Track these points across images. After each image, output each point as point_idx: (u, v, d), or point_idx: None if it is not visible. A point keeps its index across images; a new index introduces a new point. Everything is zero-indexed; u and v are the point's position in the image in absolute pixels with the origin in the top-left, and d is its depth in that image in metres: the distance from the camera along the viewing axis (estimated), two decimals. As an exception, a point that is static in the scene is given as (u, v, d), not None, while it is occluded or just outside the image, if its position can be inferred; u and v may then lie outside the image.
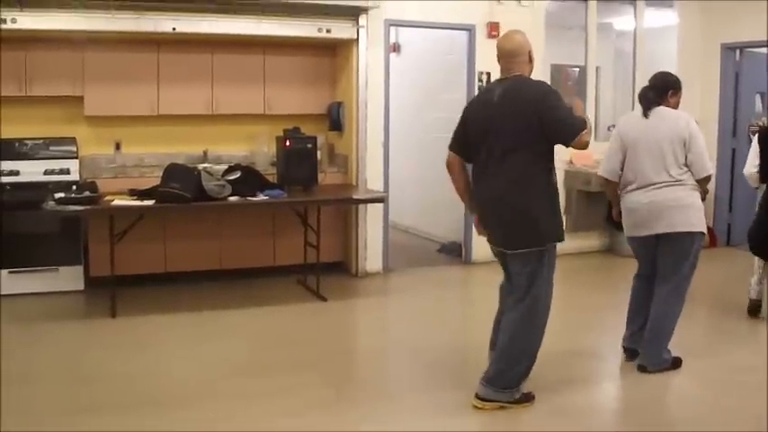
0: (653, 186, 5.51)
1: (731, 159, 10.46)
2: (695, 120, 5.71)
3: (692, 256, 5.59)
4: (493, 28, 9.17)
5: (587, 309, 7.60)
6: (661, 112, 5.57)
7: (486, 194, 4.88)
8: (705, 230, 5.64)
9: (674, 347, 5.77)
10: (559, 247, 8.83)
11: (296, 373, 5.70)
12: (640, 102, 5.67)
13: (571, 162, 9.77)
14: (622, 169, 5.67)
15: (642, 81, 10.35)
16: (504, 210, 4.80)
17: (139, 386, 5.40)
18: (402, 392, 5.25)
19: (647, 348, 5.70)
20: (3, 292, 7.51)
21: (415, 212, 10.90)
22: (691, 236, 5.51)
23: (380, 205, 8.69)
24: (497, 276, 5.25)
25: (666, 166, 5.47)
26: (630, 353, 5.88)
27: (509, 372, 4.91)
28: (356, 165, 8.69)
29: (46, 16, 7.36)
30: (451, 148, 5.06)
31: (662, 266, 5.66)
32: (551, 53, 10.08)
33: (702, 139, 5.52)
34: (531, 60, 4.90)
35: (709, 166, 5.51)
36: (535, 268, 4.81)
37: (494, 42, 8.98)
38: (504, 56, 4.87)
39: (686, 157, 5.45)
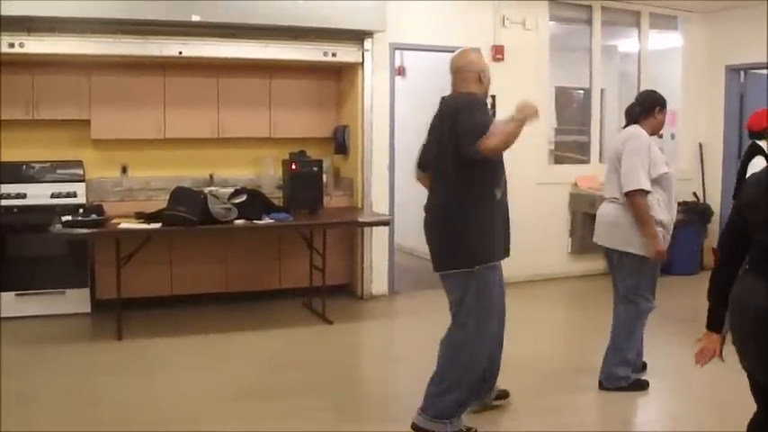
0: (607, 200, 5.71)
1: (736, 181, 10.44)
2: (641, 139, 5.59)
3: (631, 276, 5.58)
4: (497, 51, 9.22)
5: (590, 330, 7.58)
6: (625, 130, 5.70)
7: (426, 212, 4.87)
8: (641, 253, 5.47)
9: (656, 366, 5.90)
10: (564, 269, 8.86)
11: (302, 396, 5.70)
12: (625, 116, 5.80)
13: (576, 184, 9.79)
14: None
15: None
16: (432, 228, 4.80)
17: (145, 409, 5.40)
18: (408, 416, 5.22)
19: (604, 364, 5.75)
20: (10, 315, 7.52)
21: (419, 235, 10.85)
22: (624, 254, 5.54)
23: (386, 228, 8.70)
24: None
25: (612, 183, 5.59)
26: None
27: (439, 400, 4.71)
28: (361, 188, 8.71)
29: (53, 40, 7.42)
30: (418, 163, 5.12)
31: (615, 284, 5.80)
32: (556, 76, 10.14)
33: (636, 154, 5.40)
34: (481, 80, 4.81)
35: (630, 183, 5.38)
36: (461, 294, 4.68)
37: (499, 65, 9.25)
38: (454, 71, 4.88)
39: None
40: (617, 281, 5.74)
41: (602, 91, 10.65)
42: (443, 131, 4.63)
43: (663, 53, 10.95)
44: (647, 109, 5.67)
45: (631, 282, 5.60)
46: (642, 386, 5.76)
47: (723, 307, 3.25)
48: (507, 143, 4.44)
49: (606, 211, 5.67)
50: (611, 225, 5.58)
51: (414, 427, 4.78)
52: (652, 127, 5.66)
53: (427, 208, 4.82)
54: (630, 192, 5.39)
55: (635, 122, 5.64)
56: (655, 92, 5.91)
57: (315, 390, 5.86)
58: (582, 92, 11.74)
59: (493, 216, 4.67)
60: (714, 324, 3.34)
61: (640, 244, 5.46)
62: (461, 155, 4.46)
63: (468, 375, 4.67)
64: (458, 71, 4.84)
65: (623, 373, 5.68)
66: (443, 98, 4.89)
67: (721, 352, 3.36)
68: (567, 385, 5.91)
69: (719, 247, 3.35)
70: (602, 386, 5.71)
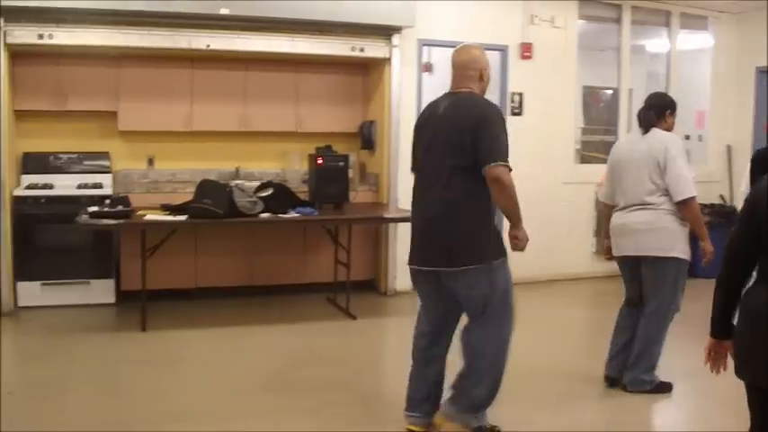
0: (630, 208, 5.51)
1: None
2: (678, 138, 5.66)
3: (669, 282, 5.48)
4: (526, 48, 9.19)
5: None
6: (651, 134, 5.53)
7: (426, 212, 4.59)
8: (682, 257, 5.44)
9: (679, 368, 5.81)
10: (589, 269, 8.82)
11: (325, 391, 5.68)
12: (640, 122, 5.64)
13: (602, 184, 9.71)
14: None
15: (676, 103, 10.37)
16: (442, 224, 4.49)
17: (168, 401, 5.41)
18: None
19: (630, 370, 5.66)
20: (36, 304, 7.60)
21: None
22: (664, 261, 5.42)
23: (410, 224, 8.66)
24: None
25: (648, 190, 5.42)
26: (609, 379, 5.78)
27: (468, 393, 4.66)
28: (387, 183, 8.69)
29: (82, 32, 7.45)
30: (412, 168, 4.90)
31: (644, 289, 5.61)
32: (583, 75, 10.07)
33: (682, 160, 5.36)
34: (482, 78, 4.69)
35: (686, 190, 5.30)
36: (484, 288, 4.52)
37: (527, 63, 9.20)
38: (455, 67, 4.70)
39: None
40: (648, 289, 5.56)
41: (630, 91, 10.59)
42: (461, 130, 4.45)
43: (692, 53, 10.88)
44: (659, 114, 5.58)
45: (669, 288, 5.49)
46: (666, 389, 5.69)
47: (732, 313, 3.15)
48: (511, 205, 4.45)
49: (639, 219, 5.44)
50: (648, 232, 5.41)
51: (440, 417, 4.74)
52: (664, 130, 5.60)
53: (435, 203, 4.53)
54: (689, 199, 5.31)
55: (652, 126, 5.55)
56: (665, 94, 5.90)
57: (339, 385, 5.84)
58: (609, 91, 11.68)
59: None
60: (727, 331, 3.17)
61: (683, 248, 5.42)
62: (477, 162, 4.42)
63: (496, 368, 4.62)
64: (460, 67, 4.68)
65: (649, 378, 5.63)
66: (451, 95, 4.67)
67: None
68: (586, 387, 5.86)
69: (730, 250, 3.15)
70: (625, 389, 5.64)
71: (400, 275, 8.79)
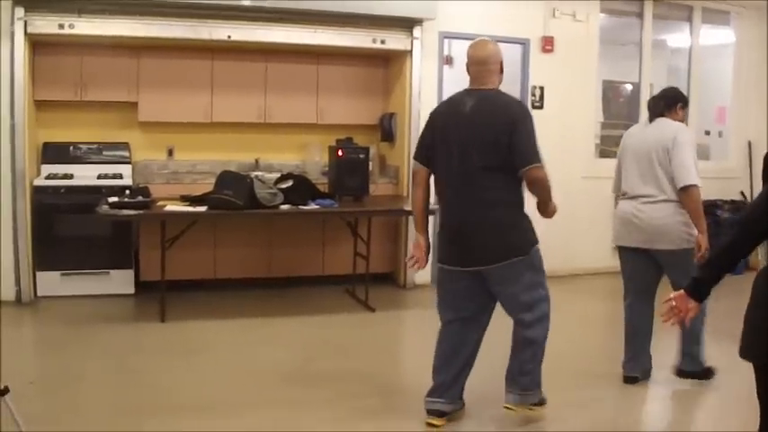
0: (640, 199, 5.44)
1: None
2: (688, 129, 5.61)
3: (689, 270, 5.24)
4: (547, 42, 9.15)
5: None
6: (660, 122, 5.48)
7: (467, 215, 4.60)
8: (692, 246, 5.37)
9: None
10: (609, 264, 8.80)
11: (344, 383, 5.67)
12: (649, 110, 5.62)
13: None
14: None
15: (697, 99, 10.33)
16: (486, 225, 4.57)
17: (186, 391, 5.41)
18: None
19: (683, 355, 5.69)
20: (55, 294, 7.61)
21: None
22: (678, 252, 5.37)
23: (430, 217, 8.64)
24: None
25: (655, 177, 5.37)
26: (629, 379, 5.71)
27: (530, 376, 4.81)
28: (407, 176, 8.65)
29: (103, 22, 7.44)
30: (417, 157, 4.83)
31: (676, 282, 5.42)
32: (603, 69, 10.01)
33: (689, 148, 5.31)
34: (501, 72, 4.73)
35: (690, 178, 5.25)
36: (527, 277, 4.65)
37: (548, 57, 9.15)
38: (475, 63, 4.66)
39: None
40: (675, 278, 5.45)
41: (650, 86, 10.53)
42: (497, 131, 4.48)
43: (714, 49, 10.80)
44: (669, 104, 5.54)
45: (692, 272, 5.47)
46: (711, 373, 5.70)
47: (721, 278, 3.13)
48: (548, 199, 4.66)
49: (655, 214, 5.38)
50: (658, 227, 5.36)
51: (513, 405, 4.82)
52: None
53: (476, 205, 4.56)
54: (690, 186, 5.24)
55: (660, 116, 5.51)
56: (678, 89, 5.83)
57: (358, 377, 5.82)
58: (629, 86, 11.62)
59: None
60: (702, 295, 3.15)
61: (692, 236, 5.37)
62: (515, 163, 4.51)
63: (545, 341, 4.82)
64: (482, 63, 4.64)
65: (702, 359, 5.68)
66: (475, 92, 4.64)
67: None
68: (605, 380, 5.83)
69: (746, 221, 3.13)
70: (683, 374, 5.70)
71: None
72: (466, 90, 4.71)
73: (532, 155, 4.50)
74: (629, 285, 5.76)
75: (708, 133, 11.08)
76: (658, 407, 5.57)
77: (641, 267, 5.59)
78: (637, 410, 5.45)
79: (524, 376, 4.79)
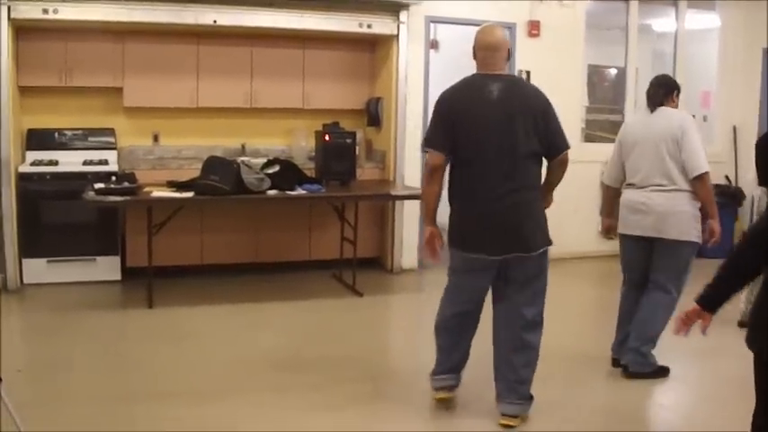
0: (650, 188, 5.42)
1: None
2: (692, 116, 5.67)
3: (684, 264, 5.45)
4: (533, 26, 9.15)
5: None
6: (663, 111, 5.48)
7: (504, 201, 4.49)
8: (697, 240, 5.42)
9: (676, 351, 5.74)
10: (595, 248, 8.86)
11: (333, 368, 5.68)
12: (649, 99, 5.59)
13: (607, 163, 9.69)
14: (625, 176, 5.64)
15: (682, 83, 10.31)
16: (522, 210, 4.54)
17: (175, 377, 5.40)
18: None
19: (630, 351, 5.58)
20: (42, 281, 7.58)
21: (448, 209, 10.83)
22: (681, 244, 5.37)
23: (416, 202, 8.65)
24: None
25: (665, 167, 5.35)
26: (617, 362, 5.75)
27: (531, 379, 4.81)
28: (394, 161, 8.66)
29: (87, 7, 7.39)
30: (437, 146, 4.58)
31: (654, 271, 5.52)
32: (588, 53, 10.01)
33: (697, 136, 5.34)
34: (508, 57, 4.71)
35: (703, 165, 5.29)
36: (543, 269, 4.71)
37: (535, 41, 9.15)
38: (488, 48, 4.56)
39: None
40: (661, 271, 5.49)
41: (636, 70, 10.54)
42: (534, 117, 4.48)
43: (699, 33, 10.81)
44: (667, 93, 5.54)
45: (680, 271, 5.45)
46: (665, 373, 5.63)
47: (734, 292, 3.07)
48: (561, 180, 4.81)
49: (659, 201, 5.36)
50: (667, 215, 5.33)
51: (510, 419, 4.75)
52: None
53: (512, 191, 4.48)
54: (703, 173, 5.28)
55: (660, 104, 5.51)
56: (670, 76, 5.89)
57: (348, 362, 5.83)
58: (614, 70, 11.65)
59: None
60: (714, 307, 3.09)
61: (698, 231, 5.38)
62: (545, 152, 4.58)
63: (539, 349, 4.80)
64: (496, 48, 4.57)
65: (651, 361, 5.59)
66: (497, 78, 4.53)
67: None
68: (593, 367, 5.85)
69: (754, 233, 3.08)
70: (627, 371, 5.59)
71: (406, 253, 8.80)
72: (482, 75, 4.59)
73: (564, 139, 4.65)
74: (627, 274, 5.76)
75: (693, 117, 11.09)
76: (645, 390, 5.58)
77: (641, 257, 5.58)
78: (625, 393, 5.45)
79: (522, 384, 4.75)
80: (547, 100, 4.61)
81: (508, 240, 4.53)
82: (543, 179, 4.72)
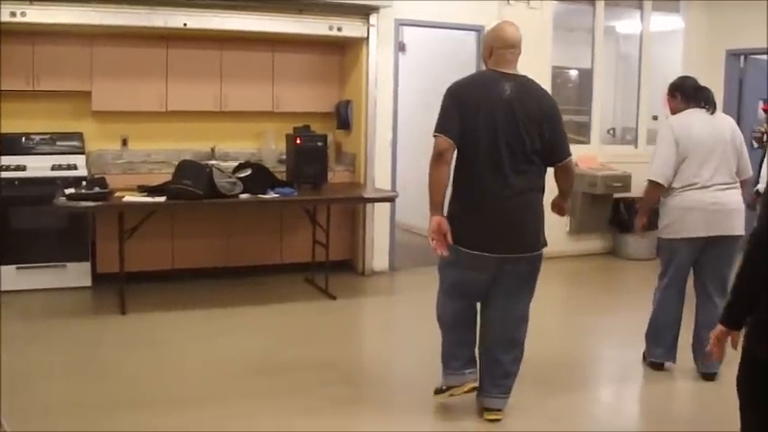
0: (716, 187, 5.43)
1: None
2: None
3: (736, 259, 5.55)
4: (501, 29, 9.17)
5: (595, 311, 7.65)
6: (720, 113, 5.64)
7: (512, 202, 4.51)
8: None
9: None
10: (563, 248, 8.93)
11: (310, 372, 5.69)
12: (708, 100, 5.61)
13: (576, 164, 9.76)
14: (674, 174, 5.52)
15: (647, 85, 10.45)
16: (529, 212, 4.58)
17: (154, 385, 5.38)
18: (415, 390, 5.21)
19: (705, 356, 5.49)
20: (11, 288, 7.45)
21: (418, 211, 10.81)
22: (738, 240, 5.44)
23: (387, 204, 8.69)
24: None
25: (730, 167, 5.47)
26: (660, 366, 5.78)
27: (516, 374, 4.90)
28: (364, 163, 8.66)
29: (55, 10, 7.29)
30: (447, 131, 4.48)
31: (711, 271, 5.55)
32: (553, 55, 10.07)
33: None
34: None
35: (750, 168, 5.61)
36: (538, 268, 4.73)
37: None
38: (508, 46, 4.54)
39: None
40: (721, 269, 5.54)
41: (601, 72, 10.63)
42: (541, 120, 4.50)
43: (662, 35, 10.93)
44: None
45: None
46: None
47: (755, 301, 2.93)
48: (572, 186, 4.93)
49: (731, 199, 5.44)
50: (738, 212, 5.45)
51: (495, 410, 4.87)
52: None
53: (520, 191, 4.51)
54: (749, 177, 5.59)
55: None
56: None
57: (325, 365, 5.84)
58: (575, 72, 11.74)
59: None
60: (739, 323, 3.01)
61: None
62: (549, 157, 4.61)
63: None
64: (515, 47, 4.56)
65: None
66: (511, 77, 4.52)
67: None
68: (580, 369, 5.91)
69: (755, 236, 2.94)
70: (708, 376, 5.60)
71: (377, 256, 8.81)
72: (493, 72, 4.56)
73: (567, 146, 4.69)
74: (674, 277, 5.66)
75: (656, 118, 11.22)
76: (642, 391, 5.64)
77: (692, 259, 5.58)
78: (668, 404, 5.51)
79: (508, 378, 4.83)
80: (555, 104, 4.65)
81: (513, 240, 4.54)
82: (557, 188, 4.83)
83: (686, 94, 5.68)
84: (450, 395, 4.89)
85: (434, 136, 4.50)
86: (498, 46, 4.55)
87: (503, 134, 4.44)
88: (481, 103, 4.48)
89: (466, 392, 4.88)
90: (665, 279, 5.70)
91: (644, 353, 5.90)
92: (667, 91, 5.81)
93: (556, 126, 4.58)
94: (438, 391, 4.95)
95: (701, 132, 5.46)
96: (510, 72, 4.54)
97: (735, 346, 3.07)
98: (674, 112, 5.72)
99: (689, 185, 5.45)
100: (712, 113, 5.57)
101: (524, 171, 4.51)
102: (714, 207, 5.40)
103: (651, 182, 5.56)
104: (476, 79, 4.68)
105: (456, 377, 4.87)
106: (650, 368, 5.80)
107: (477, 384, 4.87)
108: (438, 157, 4.47)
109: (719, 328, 3.07)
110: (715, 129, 5.50)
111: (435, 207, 4.51)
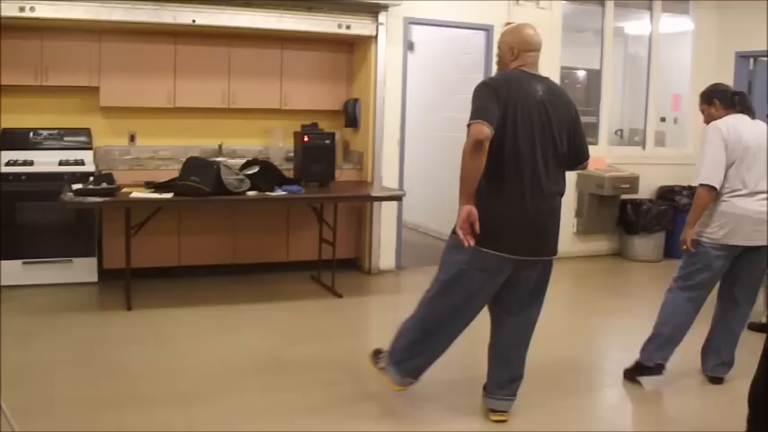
0: (759, 195, 5.26)
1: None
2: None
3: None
4: (510, 29, 9.16)
5: (602, 313, 7.64)
6: (758, 120, 5.44)
7: (543, 203, 4.44)
8: None
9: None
10: (570, 249, 8.89)
11: (317, 369, 5.68)
12: (748, 107, 5.45)
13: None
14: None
15: (655, 87, 10.43)
16: (555, 216, 4.56)
17: (160, 380, 5.37)
18: (422, 390, 5.20)
19: (725, 365, 5.60)
20: (18, 283, 7.46)
21: (425, 211, 10.86)
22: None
23: (394, 203, 8.68)
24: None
25: (761, 173, 5.30)
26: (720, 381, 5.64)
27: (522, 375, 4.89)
28: (372, 162, 8.65)
29: (65, 5, 7.28)
30: (487, 118, 4.24)
31: (744, 278, 5.45)
32: (562, 55, 10.06)
33: None
34: None
35: None
36: (551, 272, 4.73)
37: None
38: (534, 49, 4.50)
39: None
40: (754, 278, 5.51)
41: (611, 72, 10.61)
42: (568, 123, 4.47)
43: (672, 37, 10.90)
44: None
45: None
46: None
47: None
48: None
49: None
50: None
51: (501, 411, 4.86)
52: None
53: (551, 194, 4.46)
54: None
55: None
56: None
57: (330, 363, 5.83)
58: (583, 72, 11.72)
59: None
60: None
61: None
62: (572, 160, 4.59)
63: None
64: (537, 50, 4.53)
65: None
66: (540, 79, 4.49)
67: None
68: (584, 372, 5.89)
69: None
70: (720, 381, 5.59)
71: (384, 254, 8.81)
72: (525, 73, 4.46)
73: (587, 148, 4.69)
74: (709, 282, 5.47)
75: (663, 120, 11.21)
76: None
77: (727, 266, 5.44)
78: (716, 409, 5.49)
79: (516, 381, 4.83)
80: (575, 106, 4.61)
81: (541, 243, 4.52)
82: None
83: (725, 99, 5.46)
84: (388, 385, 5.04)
85: (469, 124, 4.26)
86: (524, 48, 4.48)
87: (539, 134, 4.38)
88: (518, 103, 4.34)
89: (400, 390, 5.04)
90: (690, 282, 5.46)
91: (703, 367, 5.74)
92: (701, 100, 5.54)
93: (580, 128, 4.56)
94: (377, 365, 5.15)
95: (747, 137, 5.27)
96: (536, 74, 4.50)
97: None
98: (710, 119, 5.46)
99: (736, 191, 5.27)
100: (752, 118, 5.41)
101: (555, 173, 4.48)
102: (759, 216, 5.23)
103: (703, 186, 5.25)
104: (509, 78, 4.45)
105: (408, 379, 4.99)
106: (710, 383, 5.65)
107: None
108: (476, 145, 4.20)
109: None
110: (757, 135, 5.33)
111: (467, 197, 4.29)
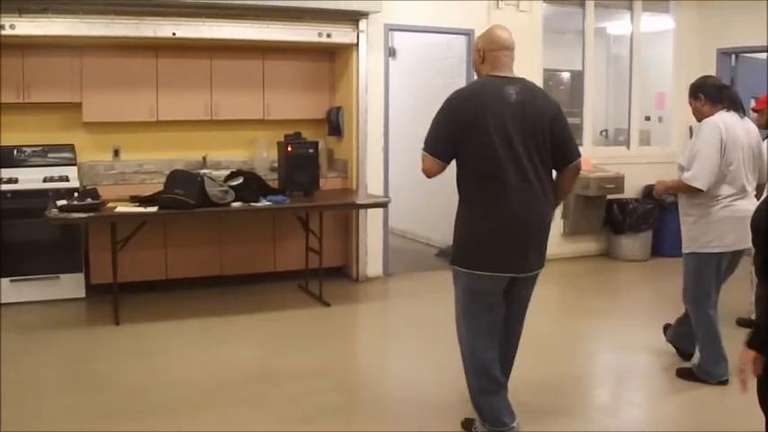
0: (747, 195, 5.20)
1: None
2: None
3: None
4: (491, 32, 9.18)
5: (591, 314, 7.65)
6: (746, 118, 5.36)
7: (526, 211, 4.18)
8: None
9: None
10: (557, 250, 8.91)
11: (305, 379, 5.68)
12: (738, 104, 5.33)
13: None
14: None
15: (638, 86, 10.47)
16: (544, 228, 4.32)
17: (151, 394, 5.36)
18: (411, 396, 5.21)
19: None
20: (5, 301, 7.44)
21: (411, 217, 10.86)
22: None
23: (380, 210, 8.68)
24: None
25: (753, 172, 5.30)
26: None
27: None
28: (356, 169, 8.66)
29: (45, 22, 7.28)
30: (437, 152, 4.22)
31: (719, 282, 5.40)
32: (544, 57, 10.09)
33: None
34: None
35: None
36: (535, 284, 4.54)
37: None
38: (505, 48, 4.27)
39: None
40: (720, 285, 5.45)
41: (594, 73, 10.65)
42: (550, 125, 4.22)
43: (653, 36, 10.94)
44: None
45: None
46: None
47: None
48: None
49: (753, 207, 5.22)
50: None
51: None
52: None
53: (537, 204, 4.21)
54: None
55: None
56: None
57: (320, 373, 5.83)
58: (567, 74, 11.75)
59: None
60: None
61: None
62: (559, 161, 4.36)
63: None
64: (511, 49, 4.30)
65: None
66: (514, 81, 4.26)
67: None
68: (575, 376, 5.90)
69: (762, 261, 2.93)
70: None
71: (371, 262, 8.81)
72: (493, 77, 4.28)
73: (576, 146, 4.45)
74: (713, 291, 5.39)
75: (648, 119, 11.24)
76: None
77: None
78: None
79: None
80: (558, 104, 4.38)
81: (531, 256, 4.28)
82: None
83: (711, 94, 5.33)
84: None
85: (424, 152, 4.27)
86: (492, 48, 4.29)
87: (519, 141, 4.17)
88: (489, 111, 4.16)
89: None
90: (707, 292, 5.36)
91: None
92: (689, 93, 5.47)
93: (564, 127, 4.32)
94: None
95: (739, 136, 5.15)
96: (510, 76, 4.28)
97: (760, 370, 2.98)
98: (699, 114, 5.38)
99: (734, 195, 5.19)
100: (742, 115, 5.30)
101: (543, 179, 4.25)
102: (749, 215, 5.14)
103: (690, 186, 5.15)
104: (478, 86, 4.35)
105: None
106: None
107: None
108: (427, 176, 4.32)
109: (750, 352, 2.97)
110: (746, 134, 5.23)
111: None
